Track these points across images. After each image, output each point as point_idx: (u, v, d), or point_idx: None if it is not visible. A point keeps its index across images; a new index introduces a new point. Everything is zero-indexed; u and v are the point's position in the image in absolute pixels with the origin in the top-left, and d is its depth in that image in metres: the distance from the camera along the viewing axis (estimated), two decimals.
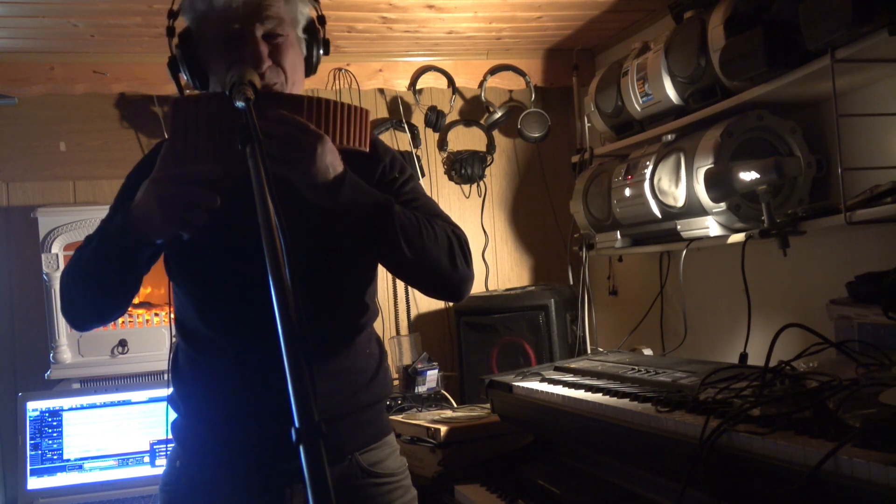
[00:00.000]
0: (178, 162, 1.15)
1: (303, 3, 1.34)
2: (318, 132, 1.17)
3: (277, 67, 1.27)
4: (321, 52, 1.38)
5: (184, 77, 1.34)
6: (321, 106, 1.20)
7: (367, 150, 1.27)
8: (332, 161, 1.18)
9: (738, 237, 1.99)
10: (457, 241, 1.33)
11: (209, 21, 1.27)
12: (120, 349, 2.63)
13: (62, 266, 2.60)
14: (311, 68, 1.38)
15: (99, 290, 1.28)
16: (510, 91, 3.35)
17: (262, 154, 0.96)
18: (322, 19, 1.37)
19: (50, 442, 2.49)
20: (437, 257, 1.28)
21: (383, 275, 3.22)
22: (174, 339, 1.43)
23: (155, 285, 2.60)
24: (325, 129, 1.20)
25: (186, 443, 1.39)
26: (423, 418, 2.40)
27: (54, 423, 2.51)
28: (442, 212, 1.39)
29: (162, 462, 2.52)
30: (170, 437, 1.41)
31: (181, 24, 1.35)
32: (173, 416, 1.42)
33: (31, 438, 2.48)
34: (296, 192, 1.24)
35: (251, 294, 1.19)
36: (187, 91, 1.35)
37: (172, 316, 1.44)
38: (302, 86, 1.35)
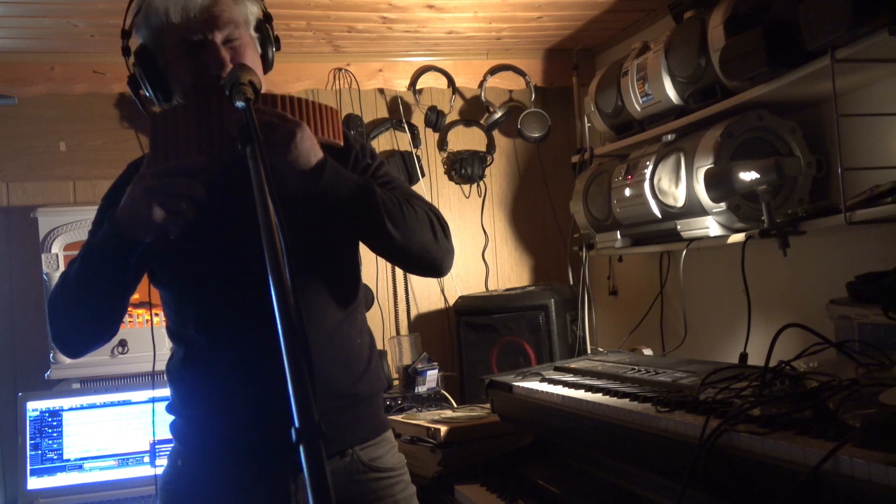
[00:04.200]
0: (160, 163, 1.18)
1: (251, 2, 1.37)
2: (296, 120, 1.21)
3: None
4: (274, 49, 1.41)
5: (146, 94, 1.36)
6: (294, 103, 1.26)
7: (342, 144, 1.32)
8: (311, 147, 1.22)
9: (738, 237, 1.99)
10: (435, 218, 1.39)
11: (167, 35, 1.30)
12: (120, 349, 2.63)
13: (62, 266, 2.60)
14: (267, 65, 1.41)
15: (91, 305, 1.28)
16: (510, 91, 3.35)
17: (263, 154, 0.97)
18: (269, 17, 1.40)
19: (50, 442, 2.49)
20: (420, 234, 1.34)
21: (383, 275, 3.25)
22: (161, 345, 1.43)
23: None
24: None
25: (187, 441, 1.39)
26: (423, 418, 2.40)
27: (54, 423, 2.51)
28: (415, 192, 1.44)
29: (162, 462, 2.52)
30: (166, 437, 1.42)
31: (134, 43, 1.36)
32: (169, 419, 1.42)
33: (31, 438, 2.48)
34: (279, 181, 1.25)
35: (247, 291, 1.20)
36: (153, 108, 1.37)
37: (159, 322, 1.44)
38: (262, 83, 1.37)
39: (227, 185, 1.24)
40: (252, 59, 1.34)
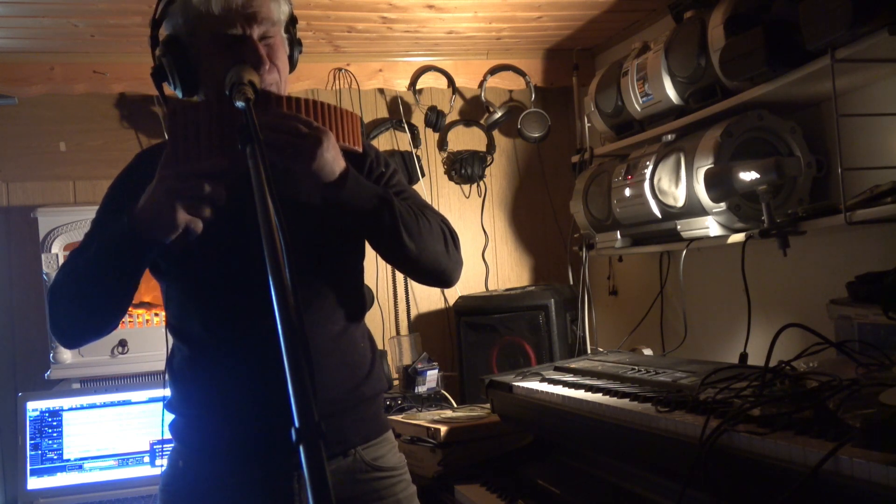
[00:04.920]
0: (180, 162, 1.17)
1: (284, 1, 1.37)
2: (322, 127, 1.22)
3: (274, 66, 1.31)
4: (298, 51, 1.42)
5: (168, 86, 1.35)
6: (318, 107, 1.25)
7: (360, 150, 1.33)
8: (335, 156, 1.23)
9: (738, 237, 1.99)
10: (448, 230, 1.41)
11: (203, 26, 1.28)
12: (120, 349, 2.63)
13: None
14: (291, 67, 1.42)
15: (98, 298, 1.27)
16: (510, 91, 3.35)
17: (263, 154, 0.97)
18: (294, 20, 1.40)
19: (50, 442, 2.49)
20: (433, 246, 1.36)
21: (383, 275, 3.25)
22: (169, 342, 1.43)
23: (155, 285, 2.60)
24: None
25: (188, 442, 1.39)
26: (423, 418, 2.40)
27: (54, 423, 2.51)
28: (427, 203, 1.46)
29: (161, 462, 2.52)
30: (168, 437, 1.42)
31: (162, 34, 1.36)
32: (169, 418, 1.42)
33: (31, 438, 2.48)
34: (293, 188, 1.27)
35: (249, 292, 1.20)
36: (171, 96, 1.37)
37: (165, 320, 1.44)
38: (287, 82, 1.38)
39: (235, 185, 1.23)
40: (283, 59, 1.34)
